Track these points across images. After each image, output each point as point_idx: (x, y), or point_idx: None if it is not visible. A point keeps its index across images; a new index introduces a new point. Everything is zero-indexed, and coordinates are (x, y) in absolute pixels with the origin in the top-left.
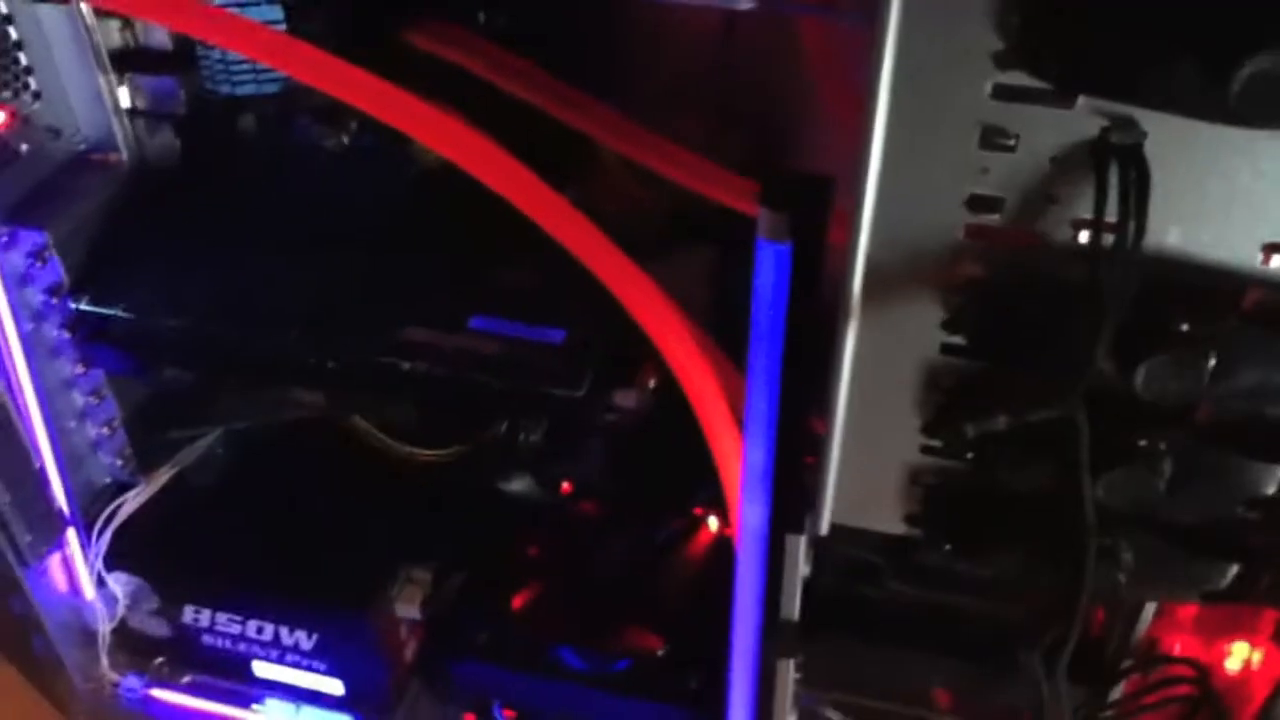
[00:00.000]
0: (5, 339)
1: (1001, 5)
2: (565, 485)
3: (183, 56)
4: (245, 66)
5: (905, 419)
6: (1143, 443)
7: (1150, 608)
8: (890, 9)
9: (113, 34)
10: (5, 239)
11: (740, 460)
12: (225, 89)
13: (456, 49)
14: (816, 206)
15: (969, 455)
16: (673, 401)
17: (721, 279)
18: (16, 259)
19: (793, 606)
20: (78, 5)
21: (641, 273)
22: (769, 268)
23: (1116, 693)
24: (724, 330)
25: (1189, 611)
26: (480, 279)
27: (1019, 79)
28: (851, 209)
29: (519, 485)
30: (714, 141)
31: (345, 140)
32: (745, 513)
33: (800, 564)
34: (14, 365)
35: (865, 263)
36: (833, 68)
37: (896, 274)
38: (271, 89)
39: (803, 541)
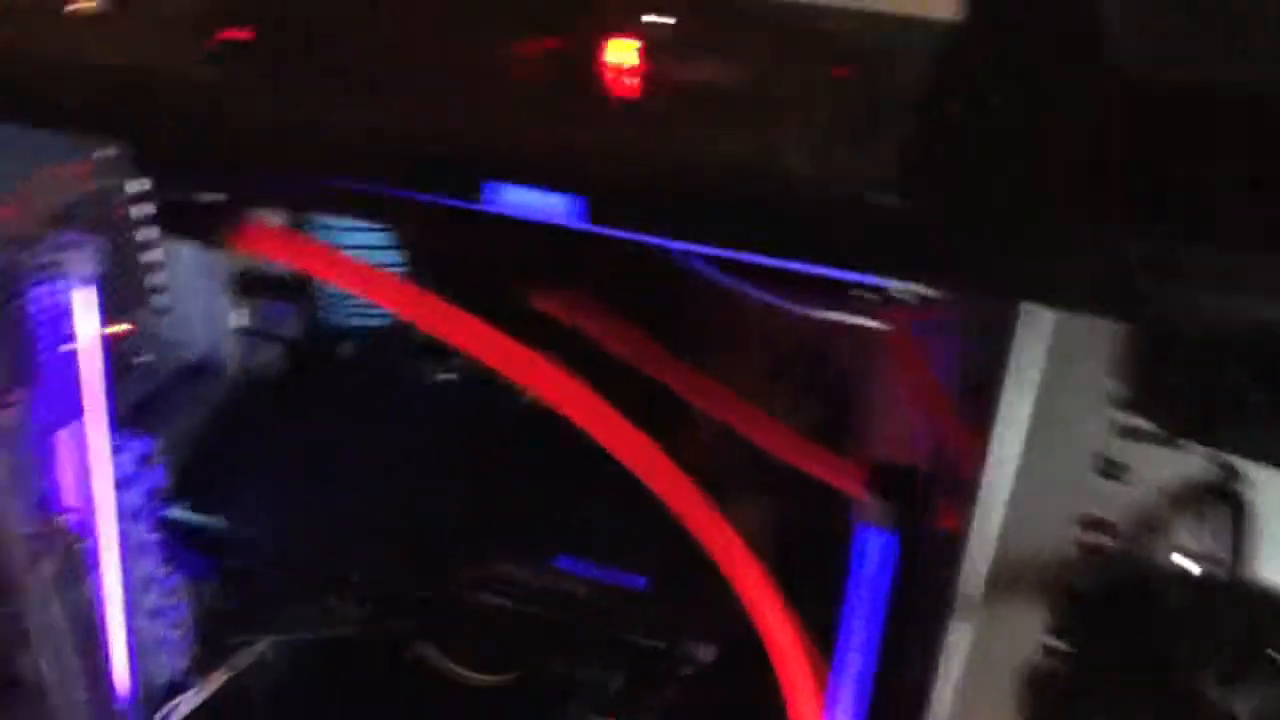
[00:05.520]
0: (104, 540)
1: (1122, 353)
2: None
3: (300, 286)
4: (358, 300)
5: (1005, 717)
6: None
7: None
8: (1016, 341)
9: (238, 261)
10: (117, 444)
11: None
12: (336, 319)
13: (567, 310)
14: (915, 498)
15: None
16: (747, 655)
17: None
18: (126, 463)
19: None
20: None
21: (730, 527)
22: (874, 553)
23: None
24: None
25: None
26: (569, 517)
27: (1135, 419)
28: (960, 507)
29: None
30: (794, 411)
31: (445, 375)
32: None
33: None
34: (107, 565)
35: (975, 566)
36: (908, 360)
37: (1006, 579)
38: (379, 322)
39: None
